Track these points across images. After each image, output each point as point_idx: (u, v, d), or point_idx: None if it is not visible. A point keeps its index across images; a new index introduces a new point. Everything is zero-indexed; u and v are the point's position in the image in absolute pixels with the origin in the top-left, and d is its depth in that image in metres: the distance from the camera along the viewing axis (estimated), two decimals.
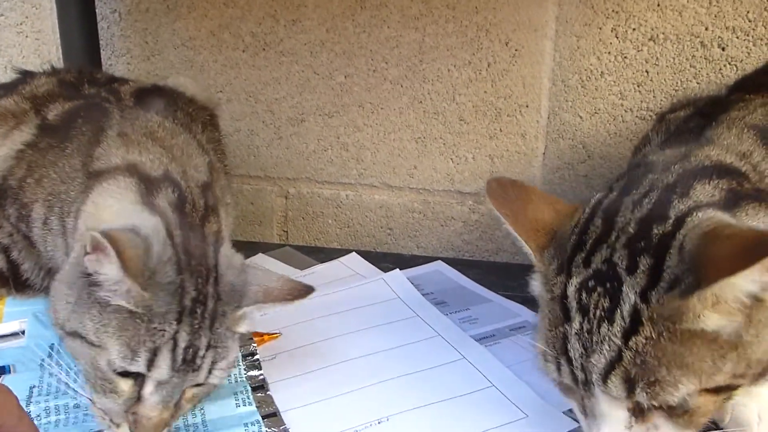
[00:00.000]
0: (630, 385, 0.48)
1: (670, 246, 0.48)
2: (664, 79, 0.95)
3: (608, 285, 0.49)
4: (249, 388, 0.65)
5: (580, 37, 0.97)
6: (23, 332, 0.75)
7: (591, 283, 0.50)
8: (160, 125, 0.72)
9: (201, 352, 0.55)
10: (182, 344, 0.54)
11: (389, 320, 0.79)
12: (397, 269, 0.92)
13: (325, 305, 0.83)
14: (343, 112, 1.09)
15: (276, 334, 0.76)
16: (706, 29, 0.91)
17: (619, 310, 0.48)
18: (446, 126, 1.05)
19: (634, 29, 0.94)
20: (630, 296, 0.48)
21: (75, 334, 0.55)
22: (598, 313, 0.49)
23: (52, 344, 0.71)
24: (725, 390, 0.49)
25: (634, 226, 0.51)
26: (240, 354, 0.69)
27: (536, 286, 0.57)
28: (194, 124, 0.79)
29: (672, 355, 0.46)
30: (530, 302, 0.87)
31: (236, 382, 0.66)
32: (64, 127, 0.72)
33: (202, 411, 0.62)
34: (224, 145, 0.89)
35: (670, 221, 0.50)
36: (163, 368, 0.54)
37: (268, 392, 0.65)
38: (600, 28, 0.96)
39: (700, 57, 0.92)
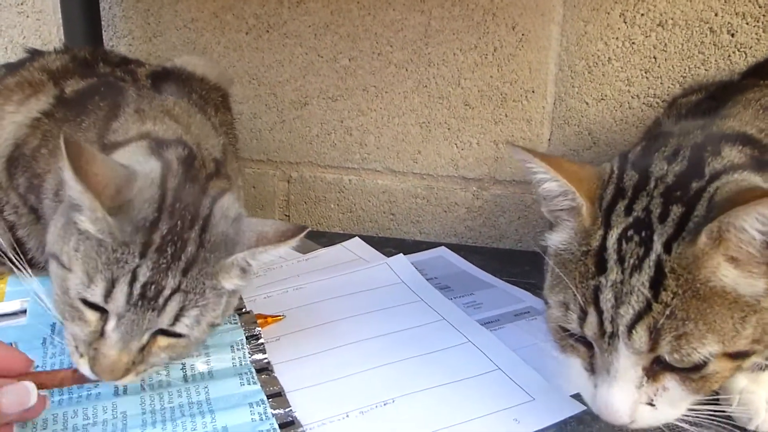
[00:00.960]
0: (655, 338, 0.48)
1: (701, 197, 0.49)
2: (672, 66, 0.94)
3: (643, 233, 0.50)
4: (253, 370, 0.65)
5: (588, 22, 0.96)
6: (25, 311, 0.75)
7: (630, 233, 0.50)
8: (176, 104, 0.73)
9: (165, 292, 0.54)
10: (142, 279, 0.53)
11: (393, 304, 0.78)
12: (401, 254, 0.91)
13: (329, 289, 0.83)
14: (347, 96, 1.08)
15: (279, 316, 0.75)
16: (716, 15, 0.90)
17: (647, 260, 0.49)
18: (451, 111, 1.04)
19: (642, 14, 0.93)
20: (657, 246, 0.49)
21: (53, 256, 0.56)
22: (632, 262, 0.49)
23: (54, 323, 0.70)
24: (742, 356, 0.49)
25: (673, 178, 0.52)
26: (244, 337, 0.69)
27: (558, 239, 0.56)
28: (208, 106, 0.78)
29: (697, 310, 0.47)
30: (534, 288, 0.86)
31: (241, 365, 0.66)
32: (80, 102, 0.71)
33: (206, 389, 0.61)
34: (236, 129, 0.89)
35: (707, 178, 0.51)
36: (119, 300, 0.53)
37: (272, 373, 0.65)
38: (608, 13, 0.95)
39: (709, 43, 0.91)
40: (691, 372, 0.49)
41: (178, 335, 0.57)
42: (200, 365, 0.65)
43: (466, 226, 1.09)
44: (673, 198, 0.50)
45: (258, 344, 0.68)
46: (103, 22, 1.11)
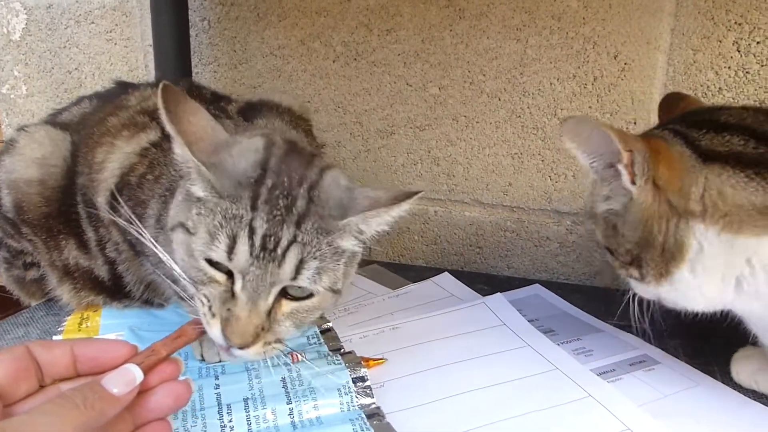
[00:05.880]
0: None
1: None
2: None
3: None
4: (363, 416, 0.61)
5: (698, 50, 0.91)
6: None
7: None
8: (272, 124, 0.74)
9: (283, 243, 0.54)
10: (260, 231, 0.54)
11: (499, 349, 0.74)
12: (499, 293, 0.87)
13: (427, 330, 0.78)
14: (435, 125, 1.05)
15: (381, 359, 0.71)
16: None
17: None
18: (546, 142, 1.00)
19: (758, 42, 0.88)
20: None
21: (180, 225, 0.57)
22: None
23: None
24: None
25: None
26: (350, 379, 0.65)
27: None
28: (298, 130, 0.77)
29: None
30: (645, 333, 0.80)
31: (349, 410, 0.62)
32: None
33: None
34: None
35: None
36: (242, 253, 0.53)
37: (383, 419, 0.61)
38: (720, 41, 0.89)
39: None
40: None
41: (300, 298, 0.57)
42: (308, 410, 0.61)
43: (558, 261, 1.04)
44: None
45: (365, 387, 0.65)
46: None
